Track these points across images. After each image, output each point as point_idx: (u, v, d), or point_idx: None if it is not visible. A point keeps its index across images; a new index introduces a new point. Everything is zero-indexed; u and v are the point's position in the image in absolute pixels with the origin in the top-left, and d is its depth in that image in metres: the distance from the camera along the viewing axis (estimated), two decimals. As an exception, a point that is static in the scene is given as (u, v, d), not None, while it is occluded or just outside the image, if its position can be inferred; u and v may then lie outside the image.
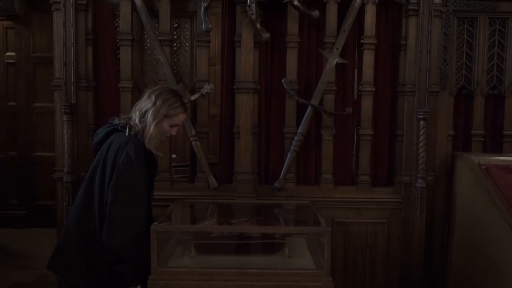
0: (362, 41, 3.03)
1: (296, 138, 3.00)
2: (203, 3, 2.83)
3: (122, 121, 2.22)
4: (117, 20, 3.10)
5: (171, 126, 2.26)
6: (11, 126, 5.18)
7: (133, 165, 2.06)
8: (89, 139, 2.97)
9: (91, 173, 2.17)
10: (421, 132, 2.93)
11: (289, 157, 3.02)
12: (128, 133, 2.13)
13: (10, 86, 5.16)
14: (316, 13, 2.88)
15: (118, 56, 3.09)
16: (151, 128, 2.14)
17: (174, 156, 3.41)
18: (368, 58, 3.02)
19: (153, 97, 2.19)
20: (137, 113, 2.19)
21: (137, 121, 2.17)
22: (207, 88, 2.98)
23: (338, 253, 3.07)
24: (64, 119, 2.94)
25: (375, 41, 3.01)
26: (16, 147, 5.17)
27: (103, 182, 2.10)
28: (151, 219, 2.24)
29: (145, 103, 2.20)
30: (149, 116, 2.15)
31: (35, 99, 5.13)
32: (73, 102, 2.94)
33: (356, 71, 3.16)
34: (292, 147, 3.01)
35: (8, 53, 5.13)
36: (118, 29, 3.07)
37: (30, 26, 5.03)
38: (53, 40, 3.01)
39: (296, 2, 2.83)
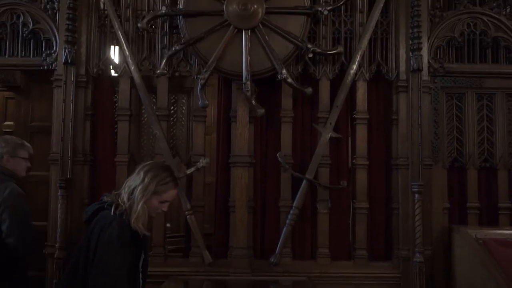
0: (354, 115, 3.11)
1: (291, 211, 2.99)
2: (200, 80, 2.93)
3: (109, 198, 2.16)
4: (115, 95, 3.17)
5: (161, 202, 2.18)
6: (4, 194, 5.12)
7: (115, 247, 1.98)
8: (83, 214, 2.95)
9: (77, 253, 2.11)
10: (416, 206, 2.93)
11: (284, 231, 2.99)
12: (113, 212, 2.06)
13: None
14: (309, 90, 2.97)
15: (115, 130, 3.13)
16: (138, 206, 2.07)
17: (168, 225, 3.36)
18: (361, 132, 3.08)
19: (141, 174, 2.14)
20: (126, 190, 2.13)
21: (125, 198, 2.10)
22: (202, 162, 3.00)
23: (337, 332, 2.96)
24: (59, 193, 2.93)
25: (367, 116, 3.09)
26: (8, 216, 5.09)
27: (87, 263, 2.03)
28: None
29: (134, 179, 2.15)
30: (137, 193, 2.09)
31: (30, 167, 5.11)
32: (68, 176, 2.95)
33: (350, 141, 3.20)
34: (287, 221, 2.99)
35: (6, 123, 5.18)
36: (116, 104, 3.14)
37: (30, 96, 5.11)
38: (52, 114, 3.07)
39: (289, 80, 2.92)
